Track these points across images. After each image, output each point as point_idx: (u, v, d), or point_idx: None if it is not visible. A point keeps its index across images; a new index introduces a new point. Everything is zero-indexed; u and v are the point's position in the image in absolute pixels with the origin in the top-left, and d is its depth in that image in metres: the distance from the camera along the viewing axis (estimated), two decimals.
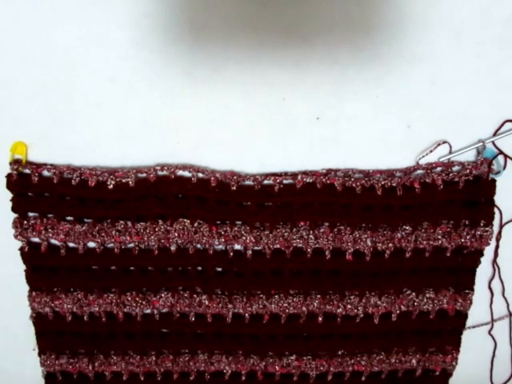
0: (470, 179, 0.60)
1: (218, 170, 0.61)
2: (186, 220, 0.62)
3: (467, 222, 0.62)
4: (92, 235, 0.62)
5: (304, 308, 0.65)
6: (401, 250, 0.63)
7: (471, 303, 0.66)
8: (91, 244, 0.63)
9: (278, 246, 0.62)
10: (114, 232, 0.62)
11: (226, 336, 0.68)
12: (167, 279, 0.65)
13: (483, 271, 0.65)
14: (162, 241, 0.62)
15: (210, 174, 0.60)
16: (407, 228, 0.62)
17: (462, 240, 0.62)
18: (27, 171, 0.61)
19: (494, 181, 0.61)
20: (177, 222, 0.62)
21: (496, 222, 0.63)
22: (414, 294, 0.66)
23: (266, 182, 0.61)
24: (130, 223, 0.62)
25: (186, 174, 0.61)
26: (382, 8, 0.57)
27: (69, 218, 0.62)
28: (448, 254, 0.63)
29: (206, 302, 0.65)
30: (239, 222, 0.62)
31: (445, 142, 0.61)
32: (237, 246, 0.63)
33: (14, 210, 0.62)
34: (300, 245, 0.63)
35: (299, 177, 0.60)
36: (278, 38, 0.57)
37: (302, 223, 0.62)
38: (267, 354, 0.69)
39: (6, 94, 0.59)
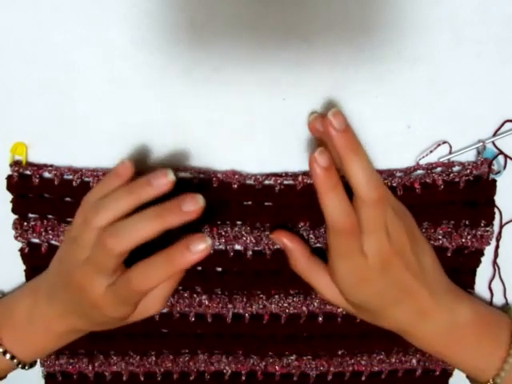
0: (471, 179, 0.60)
1: (218, 170, 0.61)
2: None
3: (468, 222, 0.62)
4: None
5: (304, 308, 0.65)
6: None
7: None
8: None
9: (278, 246, 0.62)
10: None
11: (226, 336, 0.68)
12: None
13: (483, 271, 0.65)
14: None
15: (212, 175, 0.60)
16: None
17: (463, 240, 0.62)
18: (28, 172, 0.60)
19: (494, 181, 0.61)
20: None
21: (496, 222, 0.63)
22: None
23: (266, 182, 0.61)
24: None
25: (187, 175, 0.61)
26: (382, 8, 0.57)
27: (69, 219, 0.62)
28: (449, 254, 0.62)
29: (206, 302, 0.65)
30: (239, 222, 0.62)
31: (445, 142, 0.61)
32: (237, 246, 0.63)
33: (14, 211, 0.62)
34: None
35: (300, 178, 0.60)
36: (278, 37, 0.57)
37: (301, 223, 0.62)
38: (267, 354, 0.69)
39: (5, 93, 0.59)
